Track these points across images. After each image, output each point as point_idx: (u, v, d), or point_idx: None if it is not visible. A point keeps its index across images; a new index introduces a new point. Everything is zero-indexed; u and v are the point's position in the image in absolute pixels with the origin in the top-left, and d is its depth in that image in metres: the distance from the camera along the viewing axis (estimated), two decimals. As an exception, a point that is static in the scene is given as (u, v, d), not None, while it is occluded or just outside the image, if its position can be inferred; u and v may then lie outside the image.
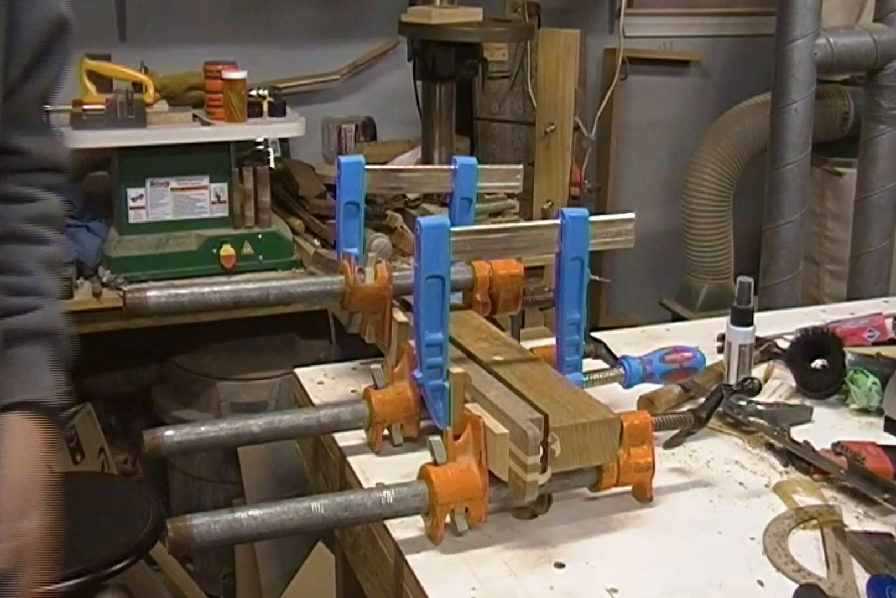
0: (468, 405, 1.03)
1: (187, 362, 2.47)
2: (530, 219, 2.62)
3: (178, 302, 1.15)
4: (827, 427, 1.25)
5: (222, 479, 2.41)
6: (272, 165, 2.58)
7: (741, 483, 1.13)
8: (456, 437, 1.00)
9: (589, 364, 1.23)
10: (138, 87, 2.22)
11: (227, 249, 2.26)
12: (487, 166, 1.37)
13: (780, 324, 1.52)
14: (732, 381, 1.31)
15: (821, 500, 1.09)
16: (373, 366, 1.21)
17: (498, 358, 1.14)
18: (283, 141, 2.76)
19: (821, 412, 1.29)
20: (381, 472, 1.12)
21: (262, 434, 1.11)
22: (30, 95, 0.98)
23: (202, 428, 1.10)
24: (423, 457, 1.00)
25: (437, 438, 0.99)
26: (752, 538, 1.02)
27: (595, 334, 1.39)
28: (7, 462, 0.92)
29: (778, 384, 1.35)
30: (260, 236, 2.32)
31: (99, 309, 2.09)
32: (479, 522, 0.99)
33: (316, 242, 2.40)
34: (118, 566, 1.76)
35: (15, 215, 0.99)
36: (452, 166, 1.33)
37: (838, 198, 3.00)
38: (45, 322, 0.98)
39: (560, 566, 0.97)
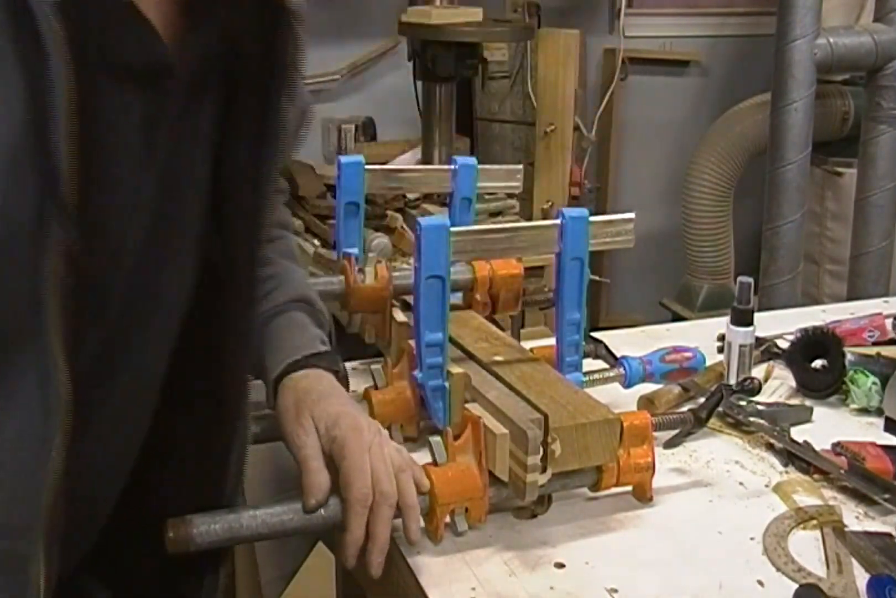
0: (468, 405, 1.03)
1: (187, 362, 2.46)
2: (530, 219, 2.62)
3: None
4: (827, 427, 1.25)
5: (222, 479, 2.41)
6: (272, 165, 2.57)
7: (741, 483, 1.13)
8: (456, 437, 1.00)
9: (589, 364, 1.22)
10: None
11: (227, 250, 2.26)
12: (487, 166, 1.37)
13: (780, 324, 1.52)
14: (732, 381, 1.31)
15: (821, 500, 1.09)
16: (373, 366, 1.21)
17: (498, 358, 1.13)
18: (283, 141, 2.76)
19: (821, 412, 1.29)
20: (381, 472, 1.12)
21: (262, 434, 1.11)
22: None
23: (202, 428, 1.10)
24: (423, 457, 1.00)
25: (437, 438, 0.99)
26: (752, 538, 1.02)
27: (595, 334, 1.39)
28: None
29: (778, 384, 1.35)
30: (260, 236, 2.31)
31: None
32: (479, 522, 0.99)
33: (316, 242, 2.39)
34: (118, 566, 1.76)
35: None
36: (452, 166, 1.33)
37: (838, 198, 3.00)
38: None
39: (560, 566, 0.97)
